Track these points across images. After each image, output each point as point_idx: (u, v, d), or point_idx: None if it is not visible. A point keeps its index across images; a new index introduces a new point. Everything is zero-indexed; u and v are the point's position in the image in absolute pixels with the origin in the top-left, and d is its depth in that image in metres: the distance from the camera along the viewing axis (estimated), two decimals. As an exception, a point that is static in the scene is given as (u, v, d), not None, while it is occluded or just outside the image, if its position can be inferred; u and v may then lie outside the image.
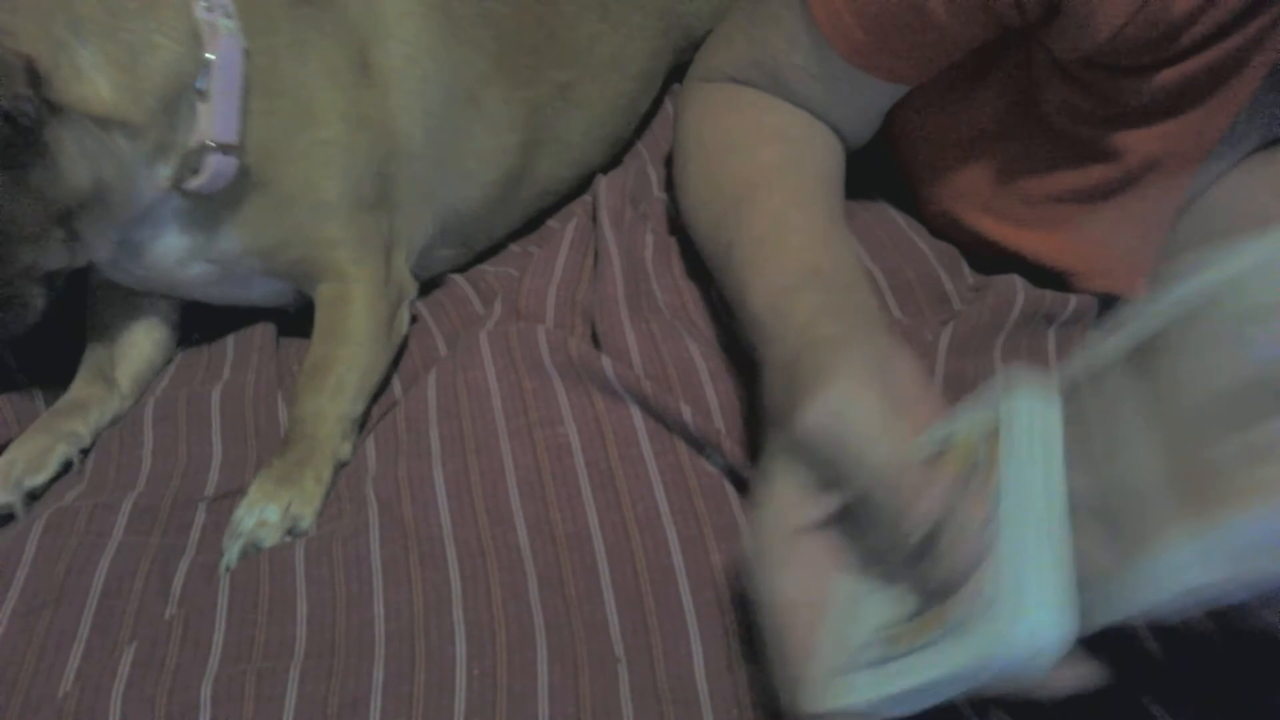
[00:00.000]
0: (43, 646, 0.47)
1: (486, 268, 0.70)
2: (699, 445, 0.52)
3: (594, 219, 0.65)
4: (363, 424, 0.60)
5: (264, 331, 0.65)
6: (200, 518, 0.54)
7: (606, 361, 0.54)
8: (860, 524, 0.39)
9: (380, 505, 0.51)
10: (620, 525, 0.49)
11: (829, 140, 0.60)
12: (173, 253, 0.59)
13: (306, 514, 0.54)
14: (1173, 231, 0.61)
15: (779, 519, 0.40)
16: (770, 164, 0.57)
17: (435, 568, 0.48)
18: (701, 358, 0.55)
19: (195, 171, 0.55)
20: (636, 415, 0.53)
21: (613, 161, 0.78)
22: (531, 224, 0.76)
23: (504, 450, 0.52)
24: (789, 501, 0.40)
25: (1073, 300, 0.60)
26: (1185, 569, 0.31)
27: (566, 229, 0.65)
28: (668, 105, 0.82)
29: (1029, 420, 0.37)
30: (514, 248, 0.74)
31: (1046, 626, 0.33)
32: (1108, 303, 0.62)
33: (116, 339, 0.64)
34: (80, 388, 0.61)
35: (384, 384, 0.62)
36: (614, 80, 0.74)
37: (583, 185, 0.76)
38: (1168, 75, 0.53)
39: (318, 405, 0.57)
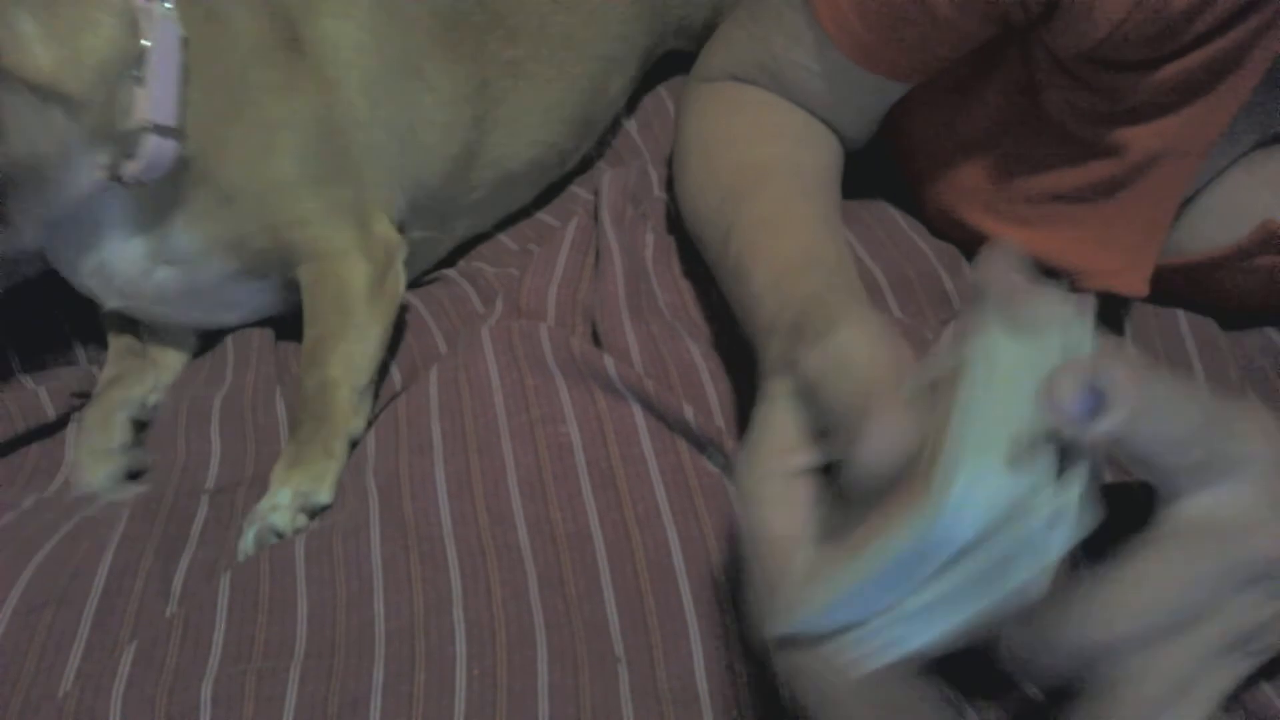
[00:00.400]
0: (44, 645, 0.47)
1: (486, 266, 0.70)
2: (700, 444, 0.52)
3: (595, 217, 0.65)
4: (375, 394, 0.59)
5: (262, 335, 0.65)
6: (203, 511, 0.54)
7: (609, 360, 0.54)
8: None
9: (381, 497, 0.51)
10: (621, 525, 0.49)
11: (829, 141, 0.60)
12: (131, 259, 0.59)
13: (319, 489, 0.54)
14: (1172, 229, 0.61)
15: (775, 458, 0.39)
16: (770, 159, 0.57)
17: (435, 567, 0.48)
18: (702, 358, 0.55)
19: (132, 157, 0.54)
20: (638, 414, 0.53)
21: (585, 144, 0.77)
22: (512, 218, 0.75)
23: (505, 449, 0.52)
24: (787, 443, 0.39)
25: (1073, 299, 0.60)
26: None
27: (568, 228, 0.65)
28: (668, 104, 0.82)
29: (993, 351, 0.35)
30: (513, 246, 0.74)
31: (980, 489, 0.30)
32: (1108, 301, 0.62)
33: (138, 322, 0.65)
34: (112, 367, 0.63)
35: (389, 357, 0.61)
36: (571, 61, 0.73)
37: (551, 168, 0.76)
38: (1167, 71, 0.53)
39: (323, 377, 0.57)
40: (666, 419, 0.52)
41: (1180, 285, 0.62)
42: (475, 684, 0.44)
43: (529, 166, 0.74)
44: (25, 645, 0.47)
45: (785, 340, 0.42)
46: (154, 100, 0.54)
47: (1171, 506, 0.33)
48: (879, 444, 0.32)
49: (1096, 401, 0.30)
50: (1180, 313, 0.62)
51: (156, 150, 0.54)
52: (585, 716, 0.43)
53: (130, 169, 0.55)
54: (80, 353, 0.67)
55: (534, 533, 0.49)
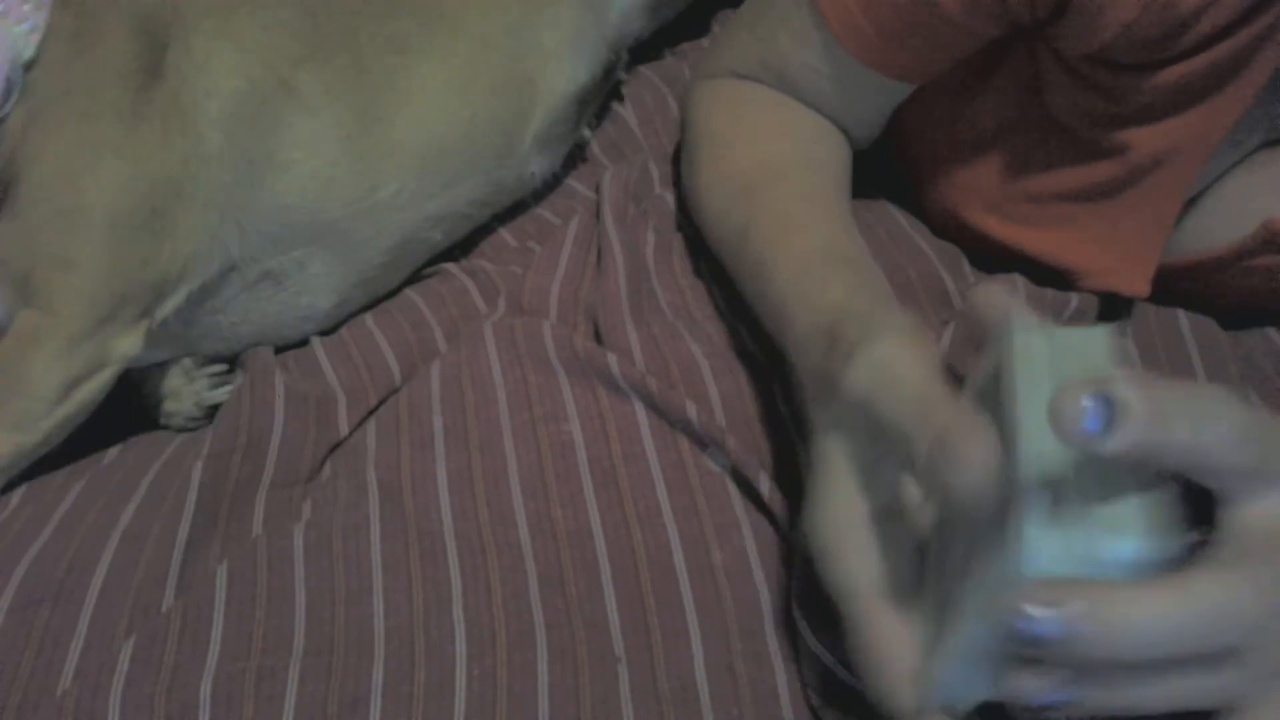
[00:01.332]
0: (41, 642, 0.46)
1: (486, 263, 0.70)
2: (702, 443, 0.52)
3: (597, 215, 0.65)
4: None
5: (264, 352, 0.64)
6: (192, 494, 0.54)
7: (611, 358, 0.54)
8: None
9: (381, 493, 0.50)
10: (622, 523, 0.49)
11: (836, 139, 0.60)
12: None
13: None
14: (1175, 229, 0.61)
15: (842, 510, 0.38)
16: (783, 154, 0.57)
17: (435, 565, 0.48)
18: (703, 356, 0.55)
19: None
20: (640, 412, 0.53)
21: (537, 105, 0.70)
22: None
23: (507, 446, 0.52)
24: (852, 489, 0.38)
25: (1074, 299, 0.60)
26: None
27: (570, 225, 0.65)
28: (670, 100, 0.82)
29: (1031, 357, 0.35)
30: (514, 243, 0.73)
31: (1046, 544, 0.30)
32: (1109, 301, 0.62)
33: None
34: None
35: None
36: (472, 23, 0.67)
37: (491, 139, 0.69)
38: (1173, 73, 0.52)
39: None
40: (669, 417, 0.52)
41: (1181, 285, 0.62)
42: (475, 684, 0.44)
43: (450, 141, 0.66)
44: (23, 642, 0.46)
45: (819, 354, 0.42)
46: None
47: (1233, 512, 0.32)
48: (973, 473, 0.32)
49: (1108, 416, 0.30)
50: (1180, 312, 0.61)
51: None
52: (585, 716, 0.43)
53: None
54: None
55: (535, 531, 0.49)
